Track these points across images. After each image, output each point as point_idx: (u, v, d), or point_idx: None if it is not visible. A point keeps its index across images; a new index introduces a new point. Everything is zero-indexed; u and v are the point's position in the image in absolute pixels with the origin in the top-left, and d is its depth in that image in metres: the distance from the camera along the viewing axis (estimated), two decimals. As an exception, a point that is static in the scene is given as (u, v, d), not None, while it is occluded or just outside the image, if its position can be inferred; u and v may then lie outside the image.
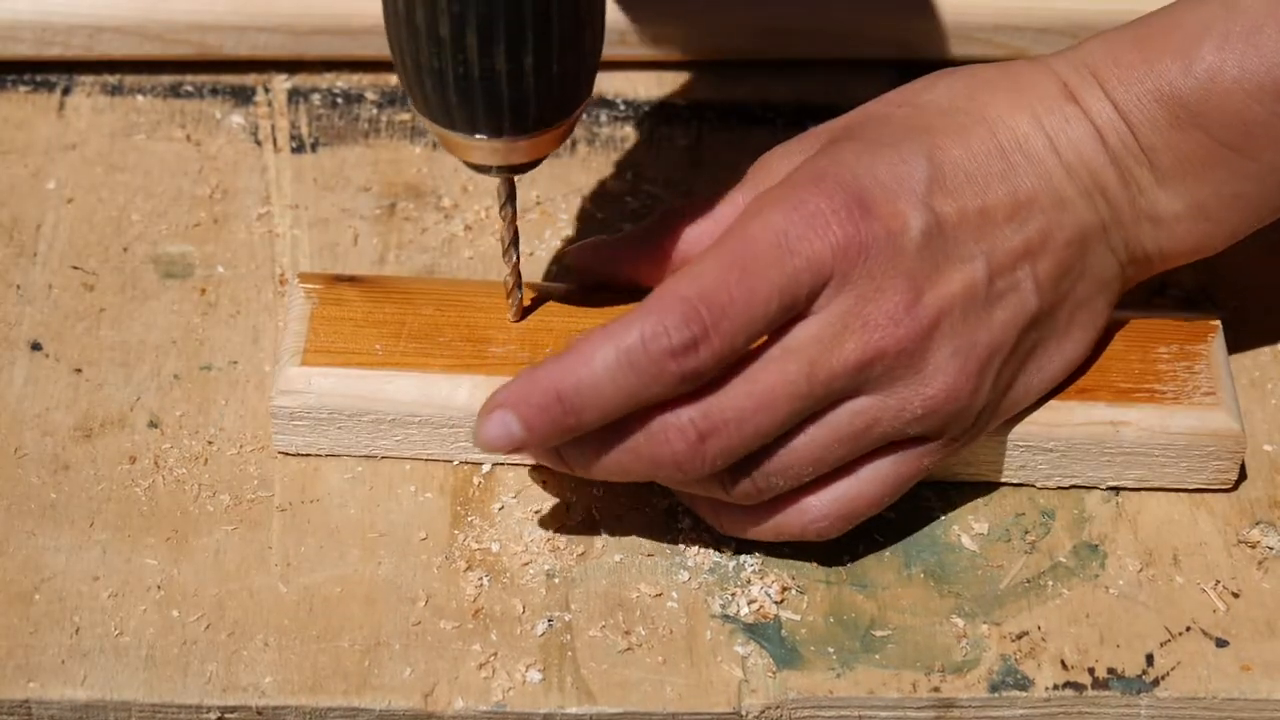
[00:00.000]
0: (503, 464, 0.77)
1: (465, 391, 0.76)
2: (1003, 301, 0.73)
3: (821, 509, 0.73)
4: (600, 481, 0.73)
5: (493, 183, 0.76)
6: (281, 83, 0.91)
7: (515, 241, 0.76)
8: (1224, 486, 0.78)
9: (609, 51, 0.91)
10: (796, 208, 0.71)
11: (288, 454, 0.77)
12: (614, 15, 0.91)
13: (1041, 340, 0.75)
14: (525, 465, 0.77)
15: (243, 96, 0.91)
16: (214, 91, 0.91)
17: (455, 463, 0.77)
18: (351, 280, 0.79)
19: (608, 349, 0.69)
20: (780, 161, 0.76)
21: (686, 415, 0.70)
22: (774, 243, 0.70)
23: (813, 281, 0.70)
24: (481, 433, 0.70)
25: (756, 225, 0.71)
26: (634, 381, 0.69)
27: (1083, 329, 0.76)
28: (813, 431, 0.72)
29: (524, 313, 0.78)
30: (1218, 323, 0.79)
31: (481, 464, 0.77)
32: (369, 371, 0.76)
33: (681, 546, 0.76)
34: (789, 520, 0.73)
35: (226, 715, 0.71)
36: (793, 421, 0.71)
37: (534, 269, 0.84)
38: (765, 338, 0.71)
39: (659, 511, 0.76)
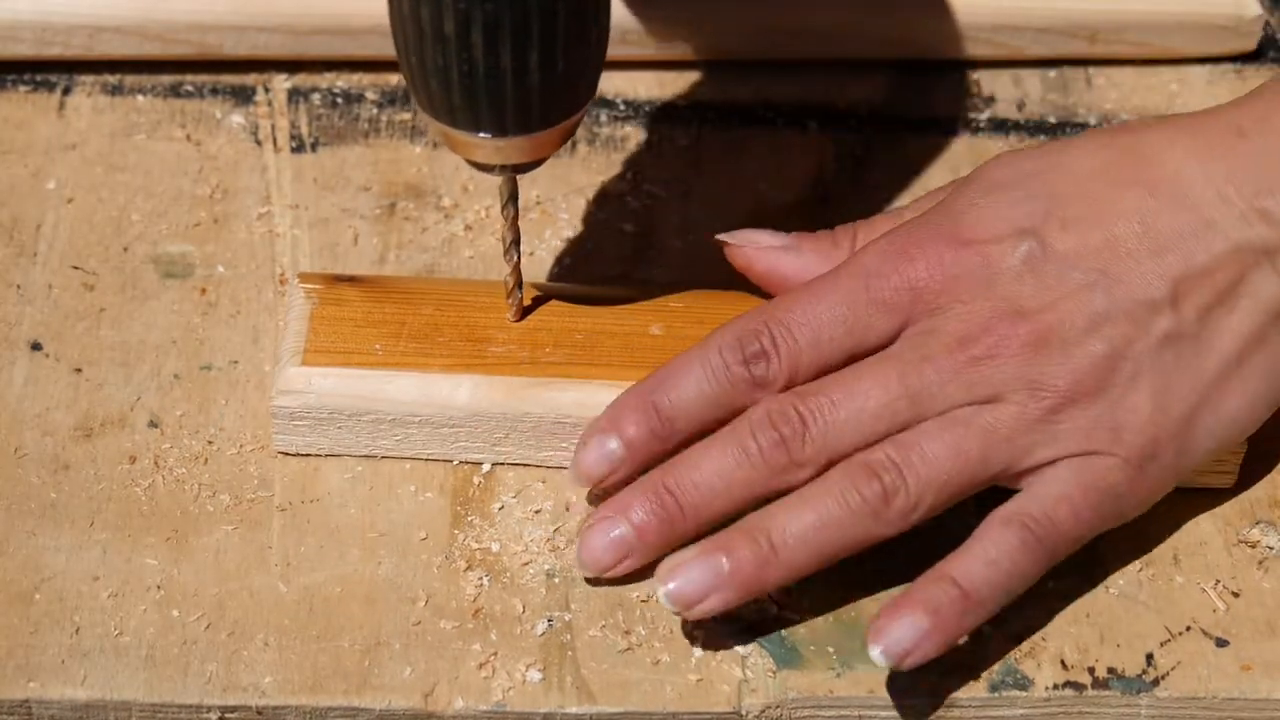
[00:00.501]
0: (502, 464, 0.77)
1: (466, 391, 0.76)
2: (1128, 315, 0.72)
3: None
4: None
5: (494, 182, 0.76)
6: (281, 83, 0.91)
7: (516, 241, 0.76)
8: (1224, 485, 0.78)
9: (609, 51, 0.92)
10: (892, 244, 0.74)
11: (288, 454, 0.77)
12: (615, 14, 0.91)
13: (1192, 362, 0.73)
14: (525, 465, 0.77)
15: (243, 96, 0.91)
16: (214, 91, 0.91)
17: (455, 462, 0.77)
18: (351, 280, 0.79)
19: (691, 361, 0.74)
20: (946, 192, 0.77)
21: (786, 400, 0.72)
22: (858, 275, 0.74)
23: (886, 313, 0.73)
24: (581, 461, 0.74)
25: (858, 256, 0.74)
26: (716, 390, 0.73)
27: (1254, 364, 0.73)
28: (929, 424, 0.72)
29: (524, 312, 0.78)
30: None
31: (481, 464, 0.77)
32: (369, 371, 0.76)
33: (682, 546, 0.76)
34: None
35: (226, 715, 0.71)
36: (893, 420, 0.72)
37: (534, 269, 0.84)
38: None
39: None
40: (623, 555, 0.73)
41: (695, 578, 0.71)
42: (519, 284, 0.77)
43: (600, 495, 0.75)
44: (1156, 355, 0.72)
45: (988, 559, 0.71)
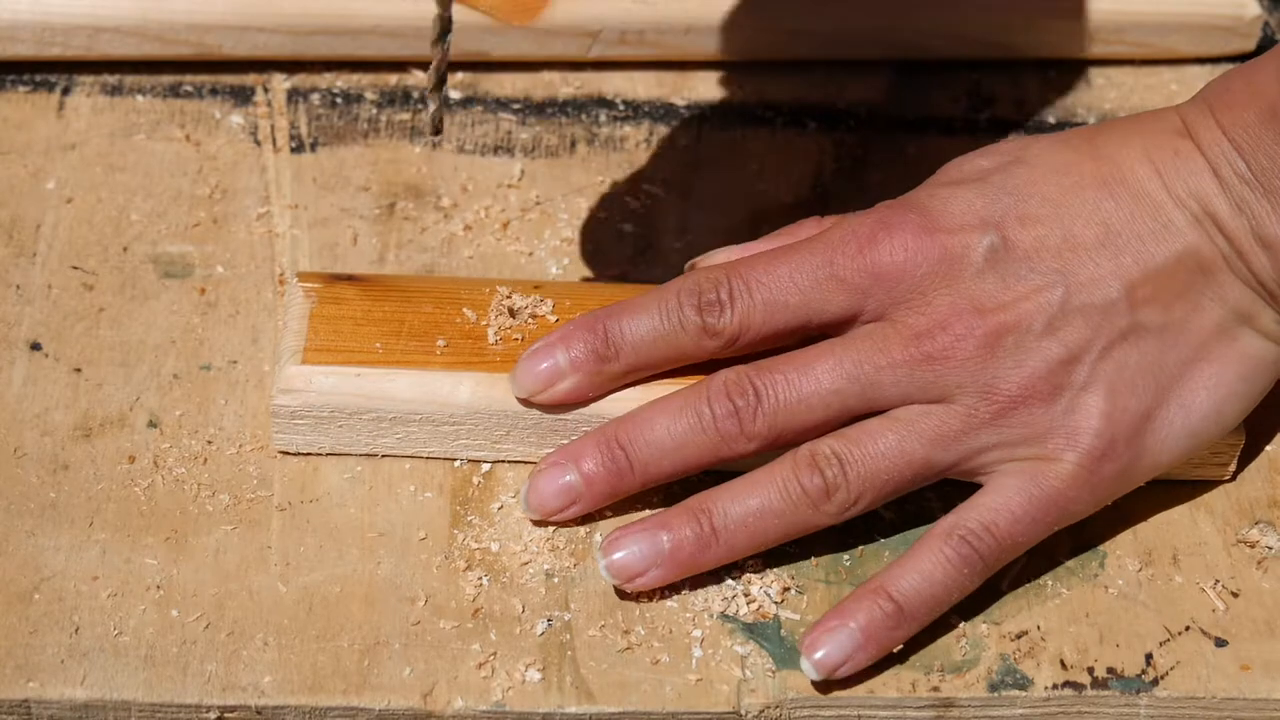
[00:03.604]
0: (502, 461, 0.77)
1: (467, 389, 0.76)
2: (1084, 317, 0.72)
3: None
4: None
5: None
6: (281, 83, 0.91)
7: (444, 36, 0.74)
8: (1221, 477, 0.78)
9: (609, 51, 0.92)
10: (856, 228, 0.74)
11: (288, 453, 0.77)
12: (616, 14, 0.91)
13: (1153, 358, 0.73)
14: (525, 465, 0.77)
15: (242, 96, 0.91)
16: (214, 91, 0.91)
17: (458, 463, 0.77)
18: (350, 279, 0.79)
19: (650, 298, 0.75)
20: (956, 168, 0.77)
21: (744, 371, 0.73)
22: (822, 253, 0.74)
23: (847, 293, 0.73)
24: (525, 370, 0.75)
25: (819, 236, 0.75)
26: (665, 325, 0.74)
27: (1225, 361, 0.74)
28: (876, 422, 0.73)
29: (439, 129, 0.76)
30: None
31: (481, 463, 0.77)
32: (369, 370, 0.76)
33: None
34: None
35: (226, 715, 0.71)
36: (842, 408, 0.73)
37: (534, 269, 0.84)
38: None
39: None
40: (569, 502, 0.75)
41: (637, 552, 0.73)
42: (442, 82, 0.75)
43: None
44: (1113, 355, 0.73)
45: (923, 573, 0.72)
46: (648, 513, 0.76)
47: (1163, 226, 0.73)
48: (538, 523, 0.75)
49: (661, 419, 0.74)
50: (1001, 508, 0.73)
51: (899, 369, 0.73)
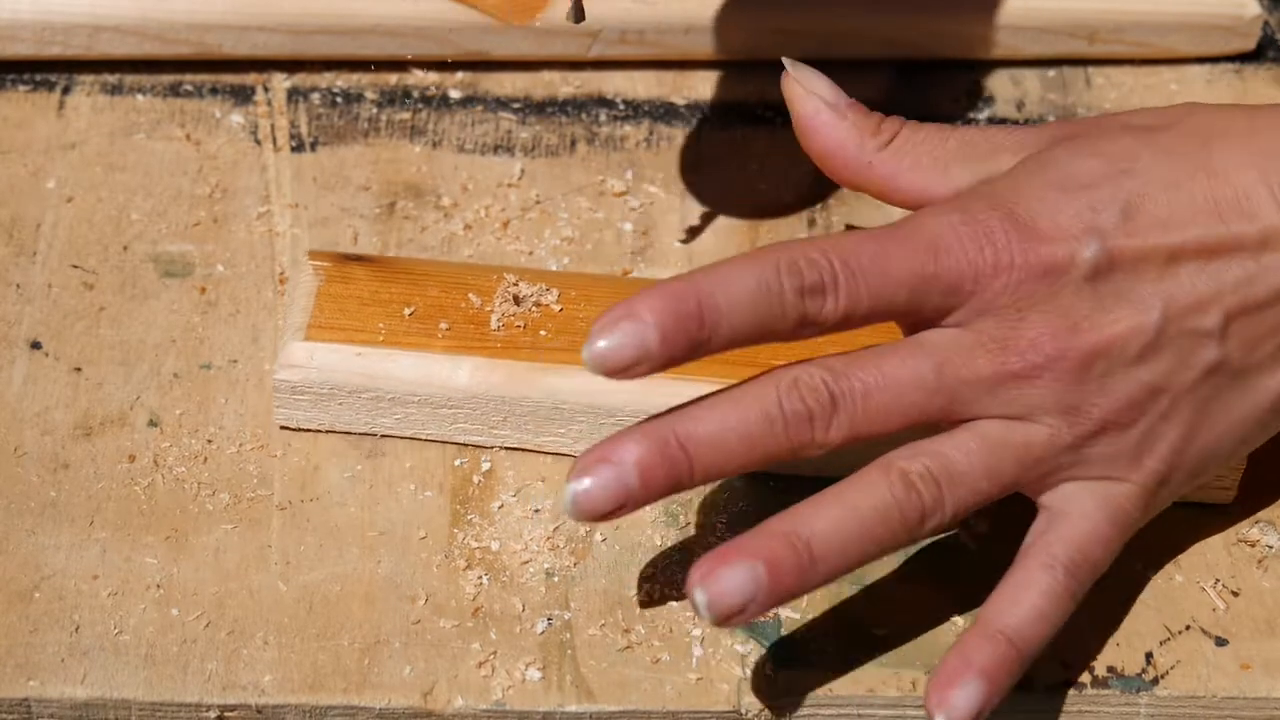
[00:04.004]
0: (501, 447, 0.77)
1: (465, 373, 0.76)
2: (1177, 346, 0.70)
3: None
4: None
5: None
6: (281, 82, 0.91)
7: None
8: (1224, 500, 0.78)
9: (609, 51, 0.92)
10: (965, 221, 0.70)
11: (288, 428, 0.77)
12: (616, 13, 0.91)
13: (1228, 393, 0.72)
14: (525, 464, 0.77)
15: (242, 96, 0.91)
16: (214, 91, 0.91)
17: (458, 462, 0.77)
18: (360, 259, 0.80)
19: (748, 271, 0.68)
20: (1006, 154, 0.74)
21: (817, 374, 0.69)
22: (927, 242, 0.70)
23: (945, 293, 0.69)
24: (607, 345, 0.66)
25: (925, 220, 0.70)
26: (763, 307, 0.68)
27: None
28: (964, 438, 0.70)
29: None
30: None
31: (482, 462, 0.77)
32: (371, 349, 0.76)
33: (682, 545, 0.76)
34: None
35: (226, 714, 0.71)
36: (921, 418, 0.69)
37: (534, 268, 0.84)
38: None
39: (659, 509, 0.76)
40: (620, 504, 0.68)
41: (733, 588, 0.67)
42: None
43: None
44: (1196, 389, 0.71)
45: (1040, 613, 0.70)
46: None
47: (1269, 259, 0.71)
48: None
49: (724, 415, 0.68)
50: (1091, 534, 0.71)
51: (983, 384, 0.70)
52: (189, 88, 0.91)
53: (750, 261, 0.68)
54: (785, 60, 0.76)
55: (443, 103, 0.91)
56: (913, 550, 0.76)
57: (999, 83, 0.94)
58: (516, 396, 0.76)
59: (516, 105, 0.91)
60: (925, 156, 0.74)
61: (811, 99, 0.75)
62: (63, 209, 0.85)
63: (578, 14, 0.77)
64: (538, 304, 0.78)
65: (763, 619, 0.73)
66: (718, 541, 0.75)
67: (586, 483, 0.67)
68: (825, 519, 0.68)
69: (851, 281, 0.69)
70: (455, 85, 0.92)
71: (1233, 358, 0.71)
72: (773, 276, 0.68)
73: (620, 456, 0.67)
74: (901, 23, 0.92)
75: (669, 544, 0.76)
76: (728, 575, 0.67)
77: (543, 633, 0.73)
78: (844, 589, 0.75)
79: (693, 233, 0.86)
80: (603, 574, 0.75)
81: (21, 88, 0.91)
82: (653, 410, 0.76)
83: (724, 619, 0.67)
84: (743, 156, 0.90)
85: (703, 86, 0.93)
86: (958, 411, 0.70)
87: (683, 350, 0.67)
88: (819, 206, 0.88)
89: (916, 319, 0.71)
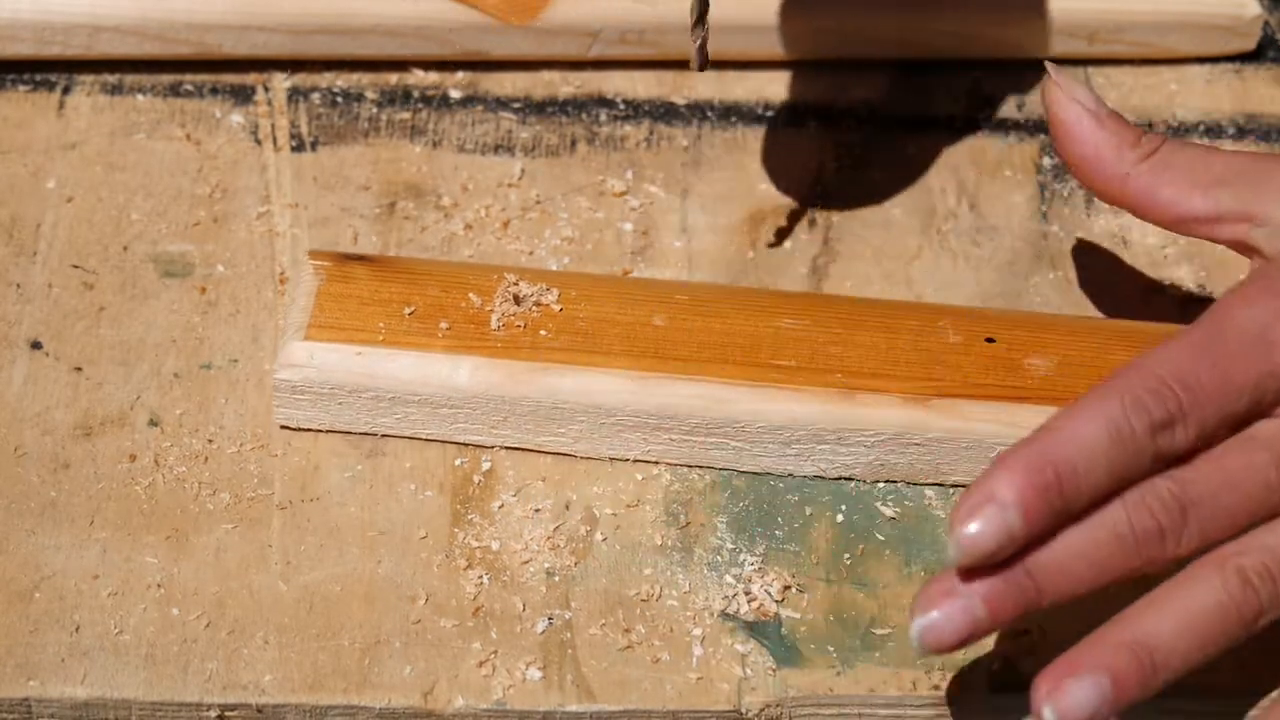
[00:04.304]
0: (505, 448, 0.78)
1: (465, 373, 0.76)
2: None
3: None
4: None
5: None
6: (281, 82, 0.91)
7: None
8: None
9: (609, 51, 0.92)
10: None
11: (288, 427, 0.77)
12: (616, 13, 0.91)
13: None
14: (525, 463, 0.77)
15: (242, 96, 0.91)
16: (214, 91, 0.91)
17: (459, 462, 0.77)
18: (361, 259, 0.80)
19: (1096, 423, 0.66)
20: (1275, 184, 0.73)
21: (1164, 486, 0.67)
22: (1256, 336, 0.68)
23: (1278, 388, 0.68)
24: (968, 534, 0.65)
25: (1238, 314, 0.69)
26: (1118, 457, 0.66)
27: None
28: None
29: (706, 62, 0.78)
30: None
31: (482, 462, 0.77)
32: (371, 349, 0.76)
33: (682, 544, 0.76)
34: None
35: (226, 713, 0.71)
36: (1265, 516, 0.68)
37: (534, 268, 0.84)
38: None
39: (659, 509, 0.76)
40: (967, 637, 0.66)
41: (1080, 703, 0.65)
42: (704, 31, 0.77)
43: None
44: None
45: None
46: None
47: None
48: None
49: (1073, 541, 0.66)
50: None
51: None
52: (189, 88, 0.91)
53: (1096, 407, 0.67)
54: (1048, 65, 0.76)
55: (443, 103, 0.91)
56: (914, 549, 0.76)
57: (999, 83, 0.94)
58: (516, 396, 0.76)
59: (517, 105, 0.91)
60: (1186, 175, 0.74)
61: (1073, 105, 0.75)
62: (63, 209, 0.85)
63: (702, 62, 0.78)
64: (538, 304, 0.78)
65: (763, 618, 0.73)
66: (718, 541, 0.76)
67: (934, 615, 0.66)
68: (1166, 627, 0.66)
69: (1198, 407, 0.67)
70: (455, 85, 0.92)
71: None
72: (1122, 420, 0.66)
73: (969, 589, 0.66)
74: (901, 23, 0.92)
75: (669, 544, 0.76)
76: (1075, 690, 0.66)
77: (543, 632, 0.73)
78: (844, 589, 0.75)
79: (693, 233, 0.86)
80: (603, 574, 0.75)
81: (21, 88, 0.91)
82: (651, 410, 0.76)
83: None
84: (743, 156, 0.90)
85: (703, 86, 0.93)
86: None
87: (1046, 522, 0.66)
88: (819, 206, 0.88)
89: (1252, 418, 0.69)
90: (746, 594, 0.74)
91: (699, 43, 0.77)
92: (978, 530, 0.65)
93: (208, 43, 0.90)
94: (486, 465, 0.77)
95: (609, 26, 0.91)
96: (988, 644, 0.73)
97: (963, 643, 0.66)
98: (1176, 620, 0.66)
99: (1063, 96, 0.76)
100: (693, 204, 0.88)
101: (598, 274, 0.83)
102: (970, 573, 0.66)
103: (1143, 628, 0.66)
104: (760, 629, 0.73)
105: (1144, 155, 0.75)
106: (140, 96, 0.90)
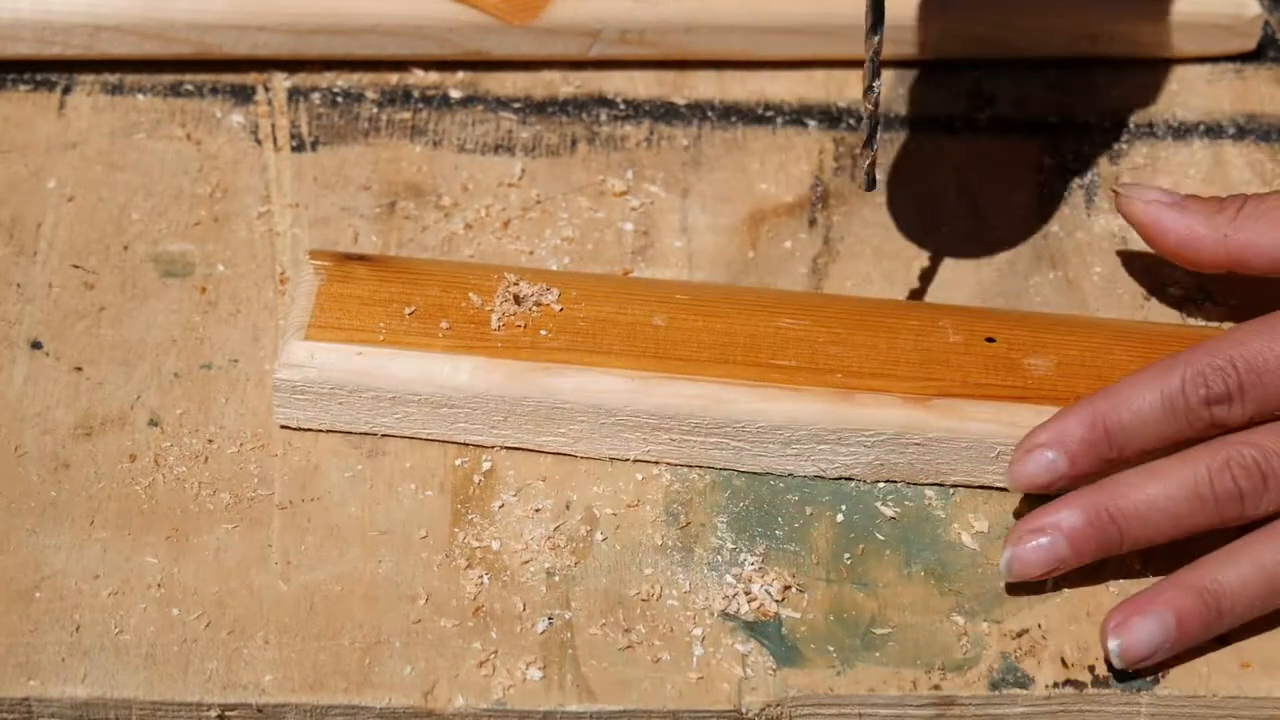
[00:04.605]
0: (505, 448, 0.78)
1: (466, 373, 0.76)
2: None
3: None
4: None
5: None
6: (281, 82, 0.91)
7: (875, 72, 0.77)
8: None
9: (609, 51, 0.92)
10: None
11: (288, 427, 0.77)
12: (616, 13, 0.91)
13: None
14: (526, 462, 0.77)
15: (243, 95, 0.91)
16: (214, 90, 0.91)
17: (459, 462, 0.77)
18: (361, 259, 0.80)
19: (1151, 391, 0.74)
20: None
21: (1249, 453, 0.73)
22: None
23: None
24: (1018, 471, 0.74)
25: None
26: (1171, 423, 0.73)
27: None
28: None
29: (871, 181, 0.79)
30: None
31: (482, 462, 0.77)
32: (371, 349, 0.77)
33: (682, 544, 0.76)
34: None
35: (227, 713, 0.71)
36: None
37: (535, 268, 0.84)
38: None
39: (660, 509, 0.76)
40: (1053, 569, 0.73)
41: (1145, 638, 0.71)
42: (874, 134, 0.77)
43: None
44: None
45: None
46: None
47: None
48: None
49: (1156, 492, 0.73)
50: None
51: None
52: (189, 87, 0.91)
53: (1156, 379, 0.74)
54: (1116, 186, 0.81)
55: (443, 102, 0.91)
56: (914, 549, 0.76)
57: (999, 83, 0.94)
58: (517, 396, 0.76)
59: (517, 105, 0.91)
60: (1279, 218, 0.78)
61: (1151, 206, 0.79)
62: (63, 209, 0.85)
63: (869, 182, 0.79)
64: (538, 304, 0.78)
65: (763, 618, 0.73)
66: (718, 541, 0.76)
67: (1026, 547, 0.73)
68: (1236, 574, 0.72)
69: (1258, 386, 0.73)
70: (455, 85, 0.92)
71: None
72: (1177, 392, 0.73)
73: (1057, 526, 0.73)
74: (901, 23, 0.92)
75: (669, 544, 0.76)
76: (1141, 626, 0.72)
77: (543, 632, 0.73)
78: (844, 589, 0.75)
79: (693, 233, 0.86)
80: (603, 573, 0.75)
81: (22, 88, 0.91)
82: (650, 410, 0.76)
83: (1133, 665, 0.72)
84: (743, 156, 0.90)
85: (703, 86, 0.93)
86: None
87: (1094, 468, 0.73)
88: (819, 206, 0.88)
89: None
90: (747, 594, 0.74)
91: (868, 163, 0.78)
92: (1027, 468, 0.73)
93: (208, 42, 0.90)
94: (487, 465, 0.77)
95: (609, 26, 0.91)
96: (988, 644, 0.73)
97: (1047, 574, 0.73)
98: (1246, 571, 0.72)
99: (1139, 205, 0.80)
100: (693, 204, 0.88)
101: (598, 274, 0.83)
102: (1060, 511, 0.73)
103: (1213, 574, 0.72)
104: (760, 629, 0.73)
105: (1232, 216, 0.78)
106: (140, 96, 0.90)
